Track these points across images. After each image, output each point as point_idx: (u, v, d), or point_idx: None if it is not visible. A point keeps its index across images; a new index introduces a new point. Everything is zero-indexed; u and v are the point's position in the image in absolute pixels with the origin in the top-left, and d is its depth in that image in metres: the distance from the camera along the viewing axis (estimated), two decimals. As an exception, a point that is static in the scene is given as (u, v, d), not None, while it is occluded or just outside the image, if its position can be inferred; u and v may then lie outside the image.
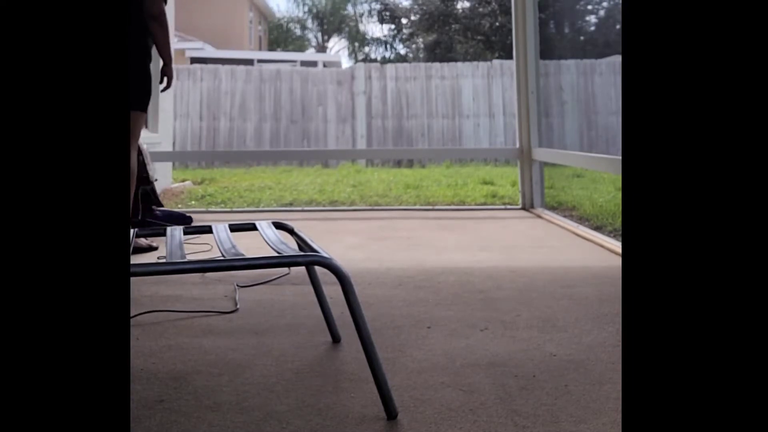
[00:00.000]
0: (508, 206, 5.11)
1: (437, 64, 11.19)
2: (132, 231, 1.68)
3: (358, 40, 22.92)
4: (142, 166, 4.22)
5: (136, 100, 3.56)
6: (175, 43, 6.48)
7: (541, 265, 2.83)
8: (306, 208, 5.22)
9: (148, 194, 4.25)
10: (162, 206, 4.41)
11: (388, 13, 20.28)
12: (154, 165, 4.42)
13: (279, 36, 24.63)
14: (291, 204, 5.78)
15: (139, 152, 4.21)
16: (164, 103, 6.03)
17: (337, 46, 24.98)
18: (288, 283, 2.50)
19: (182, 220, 4.36)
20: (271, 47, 23.45)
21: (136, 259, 2.68)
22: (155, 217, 4.21)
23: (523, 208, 4.80)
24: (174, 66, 3.70)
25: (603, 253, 3.08)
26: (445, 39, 17.82)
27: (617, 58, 8.89)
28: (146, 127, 5.27)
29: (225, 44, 17.97)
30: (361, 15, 23.02)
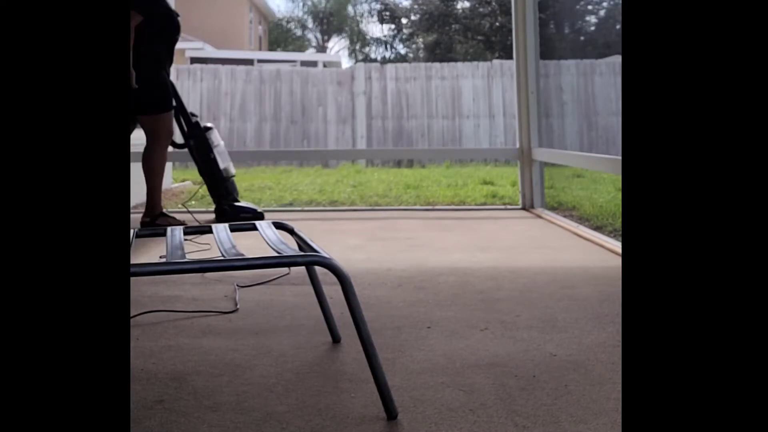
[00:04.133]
0: (509, 206, 5.11)
1: (437, 65, 11.19)
2: (132, 231, 1.68)
3: (358, 40, 22.91)
4: (213, 163, 4.25)
5: (158, 103, 3.73)
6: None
7: (541, 266, 2.83)
8: (306, 209, 5.22)
9: (220, 189, 4.28)
10: (237, 201, 4.37)
11: (388, 13, 20.29)
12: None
13: (279, 36, 24.62)
14: (291, 204, 5.77)
15: (210, 149, 4.25)
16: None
17: (337, 46, 24.99)
18: (288, 284, 2.50)
19: (254, 215, 4.25)
20: (271, 47, 23.44)
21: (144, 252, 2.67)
22: (223, 213, 4.22)
23: (524, 209, 4.80)
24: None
25: (603, 254, 3.08)
26: (445, 39, 17.83)
27: (617, 58, 8.90)
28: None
29: (225, 44, 17.97)
30: (361, 15, 23.03)
